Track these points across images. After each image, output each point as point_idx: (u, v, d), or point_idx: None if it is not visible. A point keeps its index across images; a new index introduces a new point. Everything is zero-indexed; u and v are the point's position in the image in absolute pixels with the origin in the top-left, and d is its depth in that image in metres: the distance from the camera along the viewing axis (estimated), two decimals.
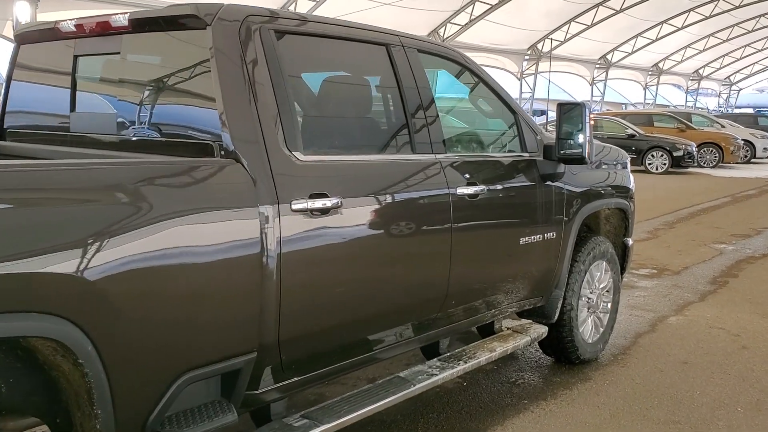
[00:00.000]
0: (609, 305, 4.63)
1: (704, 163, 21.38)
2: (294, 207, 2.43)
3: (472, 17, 21.63)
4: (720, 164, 21.49)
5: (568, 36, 27.05)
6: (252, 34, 2.49)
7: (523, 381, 4.20)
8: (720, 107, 43.26)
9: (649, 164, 19.18)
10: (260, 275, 2.32)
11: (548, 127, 19.27)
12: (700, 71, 40.71)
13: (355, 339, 2.81)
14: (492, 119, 3.96)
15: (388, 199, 2.83)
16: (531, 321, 4.09)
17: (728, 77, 44.41)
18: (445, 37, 22.26)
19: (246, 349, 2.35)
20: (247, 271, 2.29)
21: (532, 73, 27.96)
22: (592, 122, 3.55)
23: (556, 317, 4.12)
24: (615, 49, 31.44)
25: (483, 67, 3.77)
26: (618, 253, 4.82)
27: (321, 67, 3.01)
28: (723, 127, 24.02)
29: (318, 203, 2.51)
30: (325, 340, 2.66)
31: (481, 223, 3.37)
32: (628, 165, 4.87)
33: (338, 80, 3.12)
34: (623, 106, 34.86)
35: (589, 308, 4.42)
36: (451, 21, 22.22)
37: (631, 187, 4.75)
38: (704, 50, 35.97)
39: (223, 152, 2.37)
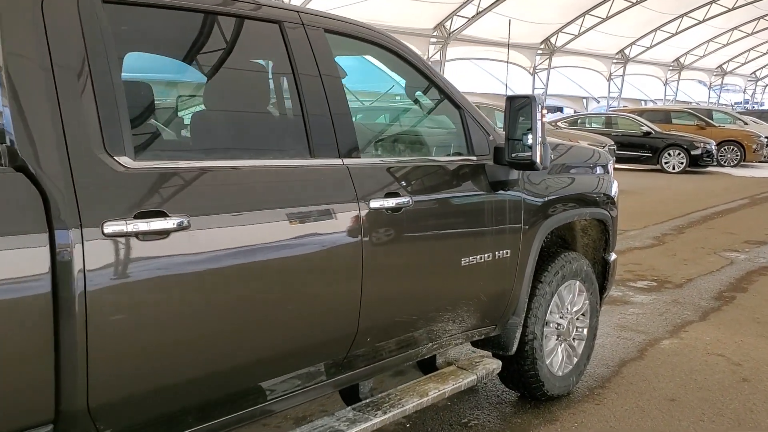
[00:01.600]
0: (584, 331, 4.00)
1: (725, 162, 20.51)
2: (107, 230, 1.84)
3: (479, 9, 20.81)
4: (742, 163, 20.60)
5: (582, 30, 26.14)
6: (59, 1, 1.90)
7: (477, 422, 3.58)
8: (743, 104, 41.97)
9: (666, 163, 18.37)
10: (49, 322, 1.73)
11: (560, 124, 18.56)
12: (724, 66, 39.51)
13: (218, 394, 2.22)
14: (430, 116, 3.34)
15: (264, 216, 2.23)
16: (485, 353, 3.47)
17: (754, 72, 43.11)
18: (451, 30, 21.54)
19: (37, 421, 1.77)
20: (31, 319, 1.71)
21: (546, 68, 27.08)
22: (544, 118, 2.91)
23: (514, 348, 3.49)
24: (633, 43, 30.45)
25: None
26: (597, 271, 4.19)
27: (172, 47, 2.40)
28: (746, 124, 23.09)
29: (148, 225, 1.91)
30: (164, 401, 2.06)
31: (406, 242, 2.76)
32: (611, 168, 4.22)
33: (202, 64, 2.51)
34: (642, 103, 33.81)
35: (558, 336, 3.79)
36: (458, 14, 21.45)
37: (612, 194, 4.10)
38: (728, 44, 34.83)
39: (6, 159, 1.79)
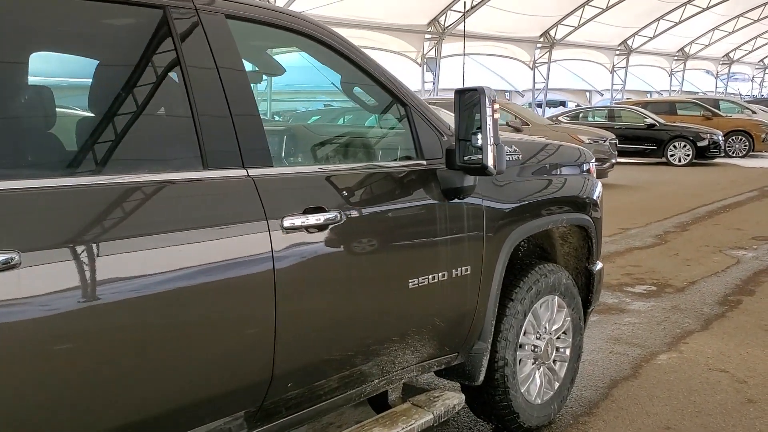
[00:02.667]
0: (567, 352, 3.55)
1: (733, 153, 19.97)
2: None
3: (474, 3, 20.25)
4: (750, 153, 20.05)
5: (582, 21, 25.52)
6: None
7: None
8: (752, 93, 41.23)
9: (671, 156, 17.84)
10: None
11: (561, 119, 18.07)
12: (731, 55, 38.77)
13: None
14: (371, 116, 2.90)
15: (135, 244, 1.80)
16: (449, 384, 3.02)
17: (762, 60, 42.35)
18: (446, 25, 21.02)
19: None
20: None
21: (546, 62, 26.49)
22: (496, 115, 2.46)
23: (481, 378, 3.05)
24: (636, 33, 29.80)
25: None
26: (581, 283, 3.73)
27: (26, 38, 1.94)
28: (754, 113, 22.53)
29: None
30: None
31: (335, 265, 2.32)
32: (593, 167, 3.76)
33: (65, 61, 2.07)
34: (648, 95, 33.16)
35: (535, 360, 3.34)
36: (452, 8, 20.88)
37: (595, 197, 3.64)
38: (734, 32, 34.11)
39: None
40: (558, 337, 3.52)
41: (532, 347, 3.32)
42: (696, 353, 4.44)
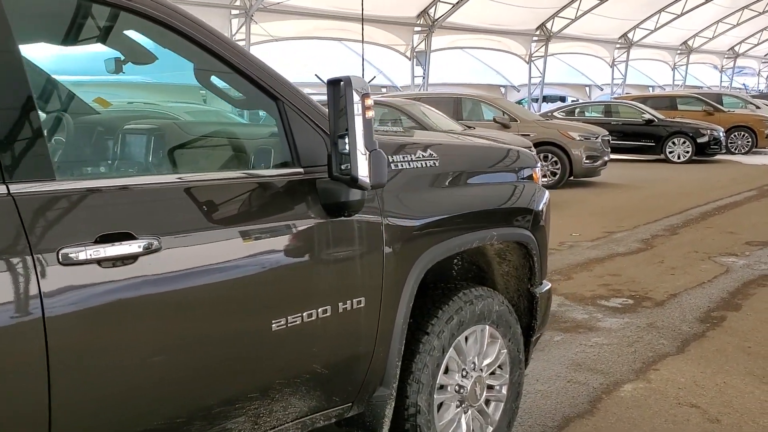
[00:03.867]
0: (503, 389, 3.01)
1: (735, 149, 19.35)
2: None
3: None
4: (753, 150, 19.43)
5: (579, 13, 24.78)
6: None
7: None
8: (758, 88, 40.46)
9: (670, 153, 17.23)
10: None
11: (555, 114, 17.45)
12: (736, 48, 37.99)
13: None
14: (229, 113, 2.37)
15: None
16: None
17: None
18: (435, 17, 20.32)
19: None
20: None
21: (542, 56, 25.78)
22: (370, 113, 1.92)
23: (385, 430, 2.51)
24: (636, 26, 29.04)
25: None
26: (523, 307, 3.19)
27: None
28: (758, 108, 21.84)
29: None
30: None
31: (143, 309, 1.78)
32: (537, 173, 3.22)
33: None
34: (650, 89, 32.46)
35: (461, 402, 2.81)
36: (442, 0, 20.18)
37: (538, 208, 3.10)
38: (738, 24, 33.34)
39: None
40: (493, 373, 2.99)
41: (456, 388, 2.78)
42: (666, 382, 3.90)
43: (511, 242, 3.04)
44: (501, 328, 2.94)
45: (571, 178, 12.50)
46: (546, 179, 12.35)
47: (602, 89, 30.58)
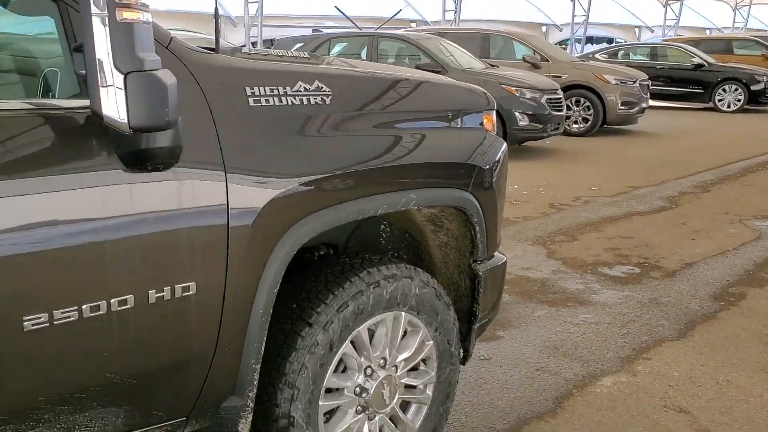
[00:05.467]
0: (428, 390, 2.41)
1: None
2: None
3: None
4: None
5: None
6: None
7: None
8: None
9: (719, 101, 16.01)
10: None
11: (598, 56, 16.28)
12: None
13: None
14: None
15: None
16: None
17: None
18: None
19: None
20: None
21: None
22: (128, 15, 1.26)
23: None
24: None
25: None
26: (464, 287, 2.55)
27: None
28: None
29: None
30: None
31: None
32: (489, 118, 2.52)
33: None
34: (707, 32, 30.38)
35: (362, 408, 2.21)
36: None
37: (484, 163, 2.42)
38: None
39: None
40: (415, 368, 2.38)
41: (356, 390, 2.18)
42: (656, 377, 3.23)
43: (447, 207, 2.38)
44: (424, 315, 2.31)
45: (605, 125, 11.57)
46: (576, 126, 11.47)
47: (653, 31, 28.66)
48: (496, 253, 2.65)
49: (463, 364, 2.63)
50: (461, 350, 2.60)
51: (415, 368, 2.40)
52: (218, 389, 1.85)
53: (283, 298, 2.10)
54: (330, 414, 2.19)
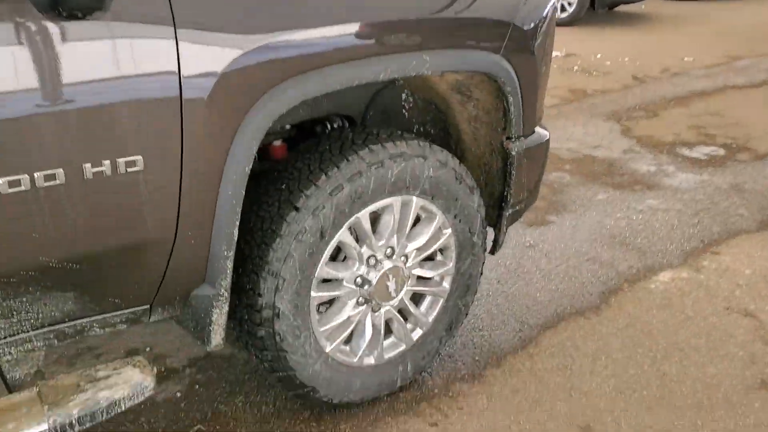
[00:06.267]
0: (445, 282, 2.15)
1: None
2: None
3: None
4: None
5: None
6: None
7: None
8: None
9: None
10: None
11: None
12: None
13: None
14: None
15: None
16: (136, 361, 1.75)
17: None
18: None
19: None
20: None
21: None
22: None
23: (216, 340, 1.76)
24: None
25: None
26: (496, 168, 2.22)
27: None
28: None
29: None
30: None
31: None
32: None
33: None
34: None
35: (364, 300, 1.99)
36: None
37: (525, 22, 2.01)
38: None
39: None
40: (431, 258, 2.13)
41: (357, 281, 1.95)
42: (722, 274, 2.86)
43: (471, 73, 2.02)
44: (440, 200, 2.01)
45: None
46: None
47: None
48: (537, 129, 2.28)
49: (493, 253, 2.35)
50: (492, 239, 2.31)
51: (430, 258, 2.14)
52: (185, 277, 1.64)
53: (274, 179, 1.86)
54: (324, 306, 1.98)
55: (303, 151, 1.91)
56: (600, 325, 2.51)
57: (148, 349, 2.39)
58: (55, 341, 1.57)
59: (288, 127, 2.15)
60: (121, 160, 1.42)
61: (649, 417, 2.05)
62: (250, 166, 1.60)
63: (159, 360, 2.33)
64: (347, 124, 2.27)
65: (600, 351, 2.36)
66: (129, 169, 1.44)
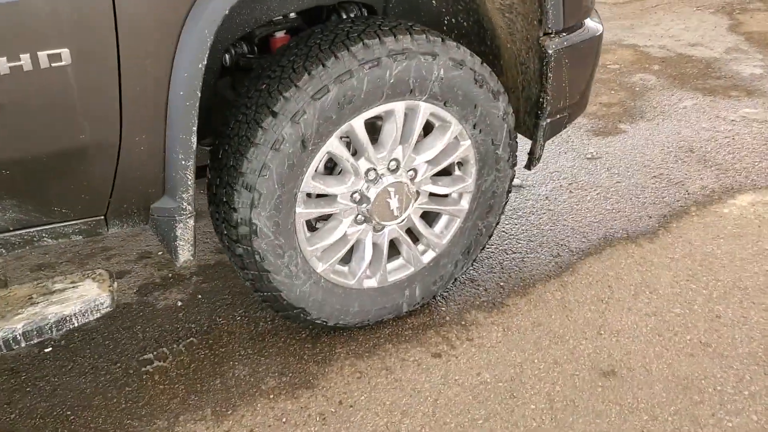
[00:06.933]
0: (464, 201, 1.90)
1: None
2: None
3: None
4: None
5: None
6: None
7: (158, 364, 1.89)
8: None
9: None
10: None
11: None
12: None
13: None
14: None
15: None
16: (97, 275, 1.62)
17: None
18: None
19: None
20: None
21: None
22: None
23: (185, 256, 1.61)
24: None
25: None
26: (533, 69, 1.90)
27: None
28: None
29: None
30: None
31: None
32: None
33: None
34: None
35: (363, 218, 1.78)
36: None
37: None
38: None
39: None
40: (448, 173, 1.87)
41: (355, 198, 1.73)
42: None
43: None
44: (455, 106, 1.73)
45: None
46: None
47: None
48: (587, 23, 1.92)
49: (529, 168, 2.06)
50: (529, 151, 2.02)
51: (448, 173, 1.89)
52: (139, 187, 1.48)
53: (256, 77, 1.63)
54: (313, 223, 1.79)
55: (294, 44, 1.66)
56: (652, 254, 2.19)
57: (160, 252, 2.30)
58: (2, 250, 1.46)
59: (294, 15, 1.90)
60: (43, 54, 1.24)
61: (687, 365, 1.77)
62: (205, 62, 1.38)
63: (169, 265, 2.24)
64: (365, 13, 1.98)
65: (644, 284, 2.06)
66: (53, 64, 1.25)
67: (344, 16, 1.93)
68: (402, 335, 1.92)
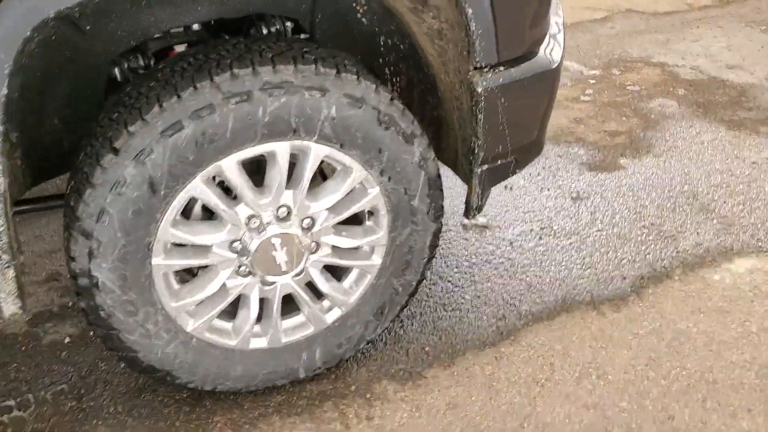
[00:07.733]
0: (376, 255, 1.62)
1: None
2: None
3: None
4: None
5: None
6: None
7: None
8: None
9: None
10: None
11: None
12: None
13: None
14: None
15: None
16: None
17: None
18: None
19: None
20: None
21: None
22: None
23: (10, 308, 1.37)
24: None
25: None
26: (466, 105, 1.59)
27: None
28: None
29: None
30: None
31: None
32: None
33: None
34: None
35: (248, 271, 1.52)
36: None
37: None
38: None
39: None
40: (359, 223, 1.60)
41: (235, 247, 1.47)
42: None
43: None
44: (354, 150, 1.46)
45: None
46: None
47: None
48: (541, 52, 1.61)
49: (467, 218, 1.76)
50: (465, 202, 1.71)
51: (359, 222, 1.61)
52: None
53: (114, 104, 1.39)
54: (180, 274, 1.54)
55: (161, 67, 1.41)
56: (613, 327, 1.86)
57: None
58: None
59: (197, 27, 1.65)
60: None
61: None
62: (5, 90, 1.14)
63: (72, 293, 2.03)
64: (289, 29, 1.71)
65: (594, 365, 1.74)
66: None
67: (265, 32, 1.67)
68: (295, 405, 1.66)
